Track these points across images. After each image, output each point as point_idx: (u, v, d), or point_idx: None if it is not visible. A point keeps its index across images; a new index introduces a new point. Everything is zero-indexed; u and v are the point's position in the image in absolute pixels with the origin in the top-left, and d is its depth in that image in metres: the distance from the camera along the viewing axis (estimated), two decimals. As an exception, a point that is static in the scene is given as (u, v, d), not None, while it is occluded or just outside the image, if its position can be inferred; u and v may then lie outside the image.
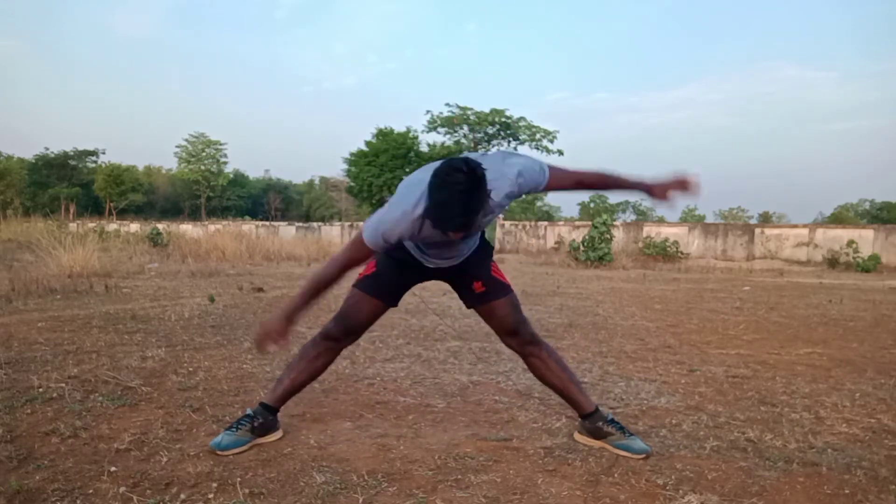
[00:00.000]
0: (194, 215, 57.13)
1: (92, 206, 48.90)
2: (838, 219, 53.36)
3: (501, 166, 1.92)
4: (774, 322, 5.79)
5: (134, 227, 24.37)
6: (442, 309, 5.72)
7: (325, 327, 2.31)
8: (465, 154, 1.84)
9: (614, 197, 75.95)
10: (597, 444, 2.29)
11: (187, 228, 23.97)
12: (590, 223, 17.71)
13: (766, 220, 60.50)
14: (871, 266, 17.19)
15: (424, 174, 1.84)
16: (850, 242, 18.42)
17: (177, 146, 59.67)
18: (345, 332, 2.27)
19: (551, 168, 2.03)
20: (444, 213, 1.71)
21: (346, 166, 36.94)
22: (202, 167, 58.55)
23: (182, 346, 3.86)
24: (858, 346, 4.60)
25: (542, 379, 2.35)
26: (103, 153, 58.74)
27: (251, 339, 4.18)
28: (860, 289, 10.61)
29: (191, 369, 3.27)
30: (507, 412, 2.72)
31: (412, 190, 1.87)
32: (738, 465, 2.16)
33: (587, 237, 16.27)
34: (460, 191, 1.67)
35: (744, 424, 2.61)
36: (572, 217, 58.81)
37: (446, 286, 2.38)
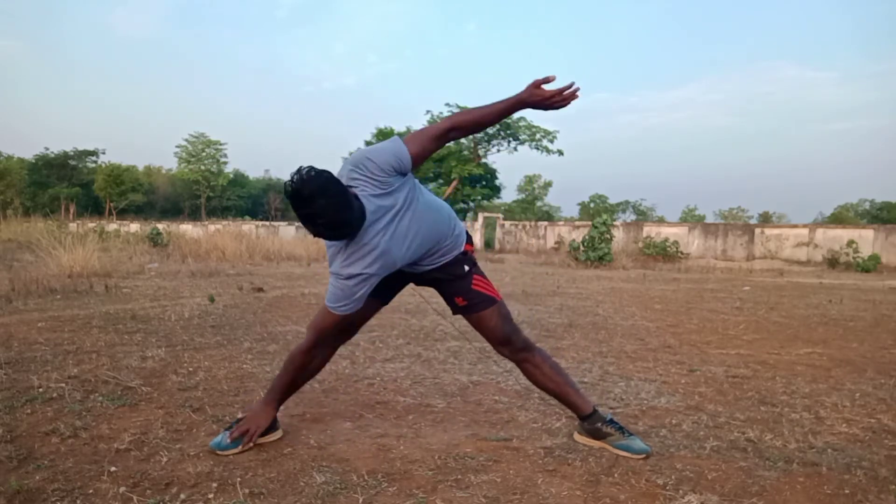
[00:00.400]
0: (194, 215, 57.11)
1: (92, 206, 48.87)
2: (838, 219, 53.37)
3: (349, 169, 1.97)
4: (774, 322, 5.79)
5: (134, 227, 24.38)
6: (442, 309, 5.72)
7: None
8: (311, 171, 1.82)
9: (614, 197, 76.00)
10: (597, 444, 2.29)
11: (187, 228, 23.97)
12: (590, 223, 17.73)
13: (766, 220, 60.51)
14: (871, 266, 17.19)
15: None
16: (850, 242, 18.43)
17: (177, 146, 59.67)
18: (338, 330, 2.28)
19: (406, 139, 2.03)
20: (305, 225, 1.84)
21: (346, 166, 36.89)
22: (202, 167, 58.50)
23: (182, 346, 3.86)
24: (858, 346, 4.60)
25: (538, 384, 2.35)
26: (103, 153, 58.76)
27: (251, 339, 4.18)
28: (860, 289, 10.61)
29: (191, 369, 3.27)
30: (507, 412, 2.72)
31: (337, 253, 2.02)
32: (738, 465, 2.15)
33: (587, 237, 16.28)
34: (299, 210, 1.80)
35: (744, 424, 2.61)
36: (572, 217, 58.78)
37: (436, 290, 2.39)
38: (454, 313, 2.33)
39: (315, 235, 1.86)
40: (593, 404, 2.36)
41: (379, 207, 1.93)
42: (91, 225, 19.17)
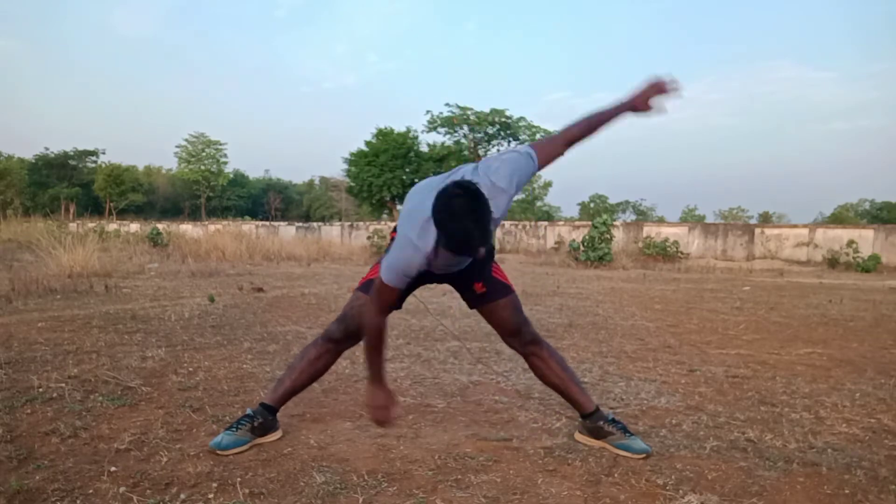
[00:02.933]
0: (194, 215, 57.11)
1: (92, 206, 48.79)
2: (838, 219, 53.32)
3: (488, 177, 1.94)
4: (774, 322, 5.79)
5: (134, 227, 24.37)
6: (442, 309, 5.72)
7: (326, 329, 2.32)
8: (453, 179, 1.84)
9: (614, 197, 76.02)
10: (597, 443, 2.29)
11: (187, 228, 23.96)
12: (590, 223, 17.72)
13: (766, 220, 60.47)
14: (871, 266, 17.19)
15: (420, 201, 1.89)
16: (850, 242, 18.41)
17: (177, 146, 59.62)
18: (346, 333, 2.27)
19: (536, 148, 2.06)
20: (464, 240, 1.72)
21: (346, 166, 36.97)
22: (202, 167, 58.47)
23: (182, 346, 3.86)
24: (858, 346, 4.60)
25: (543, 379, 2.35)
26: (103, 153, 58.70)
27: (251, 339, 4.18)
28: (860, 289, 10.61)
29: (191, 369, 3.27)
30: (507, 412, 2.72)
31: (413, 222, 1.90)
32: (738, 465, 2.16)
33: (587, 237, 16.27)
34: (469, 213, 1.70)
35: (744, 424, 2.61)
36: (572, 217, 58.76)
37: (447, 286, 2.38)
38: (471, 306, 2.31)
39: (483, 245, 1.74)
40: (596, 403, 2.36)
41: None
42: (91, 225, 19.17)
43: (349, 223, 28.68)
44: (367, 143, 35.08)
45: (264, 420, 2.25)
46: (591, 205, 63.48)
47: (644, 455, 2.19)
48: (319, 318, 5.20)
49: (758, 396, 3.08)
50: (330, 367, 2.38)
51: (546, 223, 25.52)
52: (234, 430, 2.20)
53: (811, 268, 18.33)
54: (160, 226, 21.58)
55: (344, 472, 2.02)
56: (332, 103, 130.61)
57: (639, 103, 2.13)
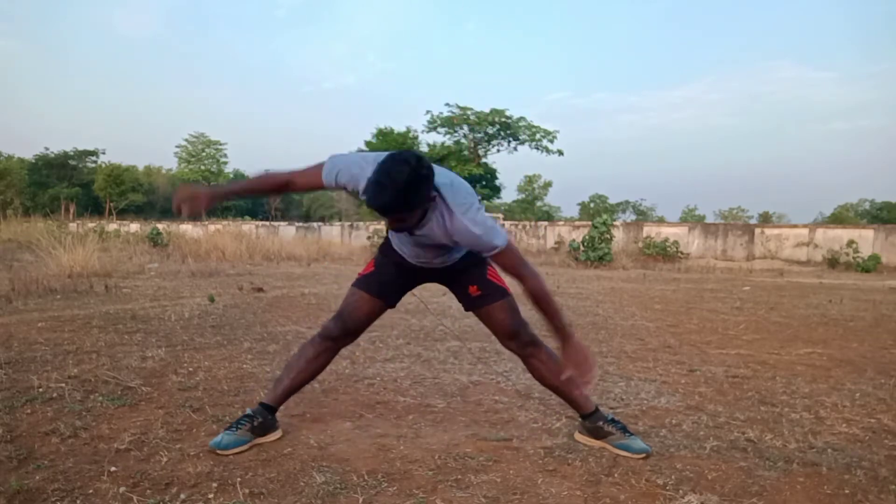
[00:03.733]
0: (194, 215, 57.03)
1: (92, 206, 48.72)
2: (838, 219, 53.31)
3: (466, 210, 1.90)
4: (774, 322, 5.79)
5: (134, 227, 24.35)
6: (442, 309, 5.72)
7: (324, 327, 2.32)
8: (439, 166, 1.88)
9: (614, 197, 76.01)
10: (597, 443, 2.29)
11: (187, 228, 23.93)
12: (590, 223, 17.71)
13: (766, 220, 60.45)
14: (871, 266, 17.18)
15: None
16: (850, 242, 18.41)
17: (177, 146, 59.58)
18: (343, 331, 2.27)
19: (508, 246, 1.95)
20: (372, 191, 1.77)
21: (346, 166, 36.92)
22: (202, 167, 58.44)
23: (182, 346, 3.86)
24: (858, 346, 4.60)
25: (543, 380, 2.35)
26: (103, 153, 58.63)
27: (251, 339, 4.18)
28: (860, 289, 10.61)
29: (191, 369, 3.27)
30: (507, 412, 2.72)
31: (379, 158, 1.89)
32: (738, 465, 2.15)
33: (587, 237, 16.28)
34: (395, 179, 1.73)
35: (744, 424, 2.61)
36: (572, 217, 58.73)
37: (446, 287, 2.38)
38: (466, 308, 2.31)
39: (380, 210, 1.79)
40: (595, 403, 2.36)
41: None
42: (91, 225, 19.15)
43: (349, 223, 28.66)
44: (367, 143, 35.12)
45: (264, 420, 2.25)
46: (591, 205, 63.49)
47: (644, 455, 2.19)
48: (319, 317, 5.20)
49: (758, 396, 3.08)
50: (328, 365, 2.38)
51: (546, 223, 25.51)
52: (234, 429, 2.20)
53: (811, 268, 18.33)
54: (160, 226, 21.56)
55: (344, 472, 2.02)
56: (332, 103, 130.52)
57: (568, 356, 2.06)
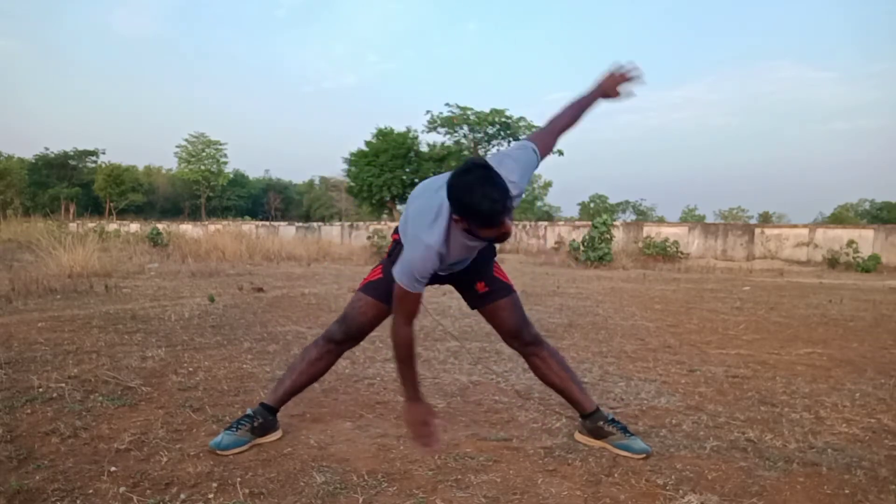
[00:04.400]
0: (194, 215, 57.11)
1: (92, 206, 48.77)
2: (838, 219, 53.32)
3: (505, 176, 1.92)
4: (774, 322, 5.79)
5: (134, 227, 24.35)
6: (441, 309, 5.72)
7: (327, 330, 2.31)
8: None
9: (614, 197, 76.01)
10: (597, 443, 2.29)
11: (187, 228, 23.96)
12: (590, 223, 17.72)
13: (766, 220, 60.45)
14: (871, 266, 17.18)
15: (426, 200, 1.89)
16: (850, 242, 18.41)
17: (177, 146, 59.62)
18: (347, 335, 2.27)
19: (537, 142, 2.08)
20: (490, 209, 1.70)
21: (346, 166, 37.02)
22: (202, 167, 58.46)
23: (182, 346, 3.86)
24: (858, 346, 4.60)
25: (544, 379, 2.35)
26: (103, 153, 58.76)
27: (251, 339, 4.18)
28: (860, 289, 10.60)
29: (191, 369, 3.27)
30: (507, 412, 2.72)
31: (420, 222, 1.88)
32: (738, 465, 2.15)
33: (587, 237, 16.28)
34: (488, 181, 1.70)
35: (744, 424, 2.61)
36: (572, 217, 58.72)
37: (447, 287, 2.38)
38: (472, 306, 2.31)
39: (506, 211, 1.73)
40: (596, 403, 2.36)
41: None
42: (91, 225, 19.16)
43: (349, 223, 28.67)
44: (368, 143, 35.08)
45: (264, 420, 2.25)
46: (591, 205, 63.48)
47: (644, 455, 2.19)
48: (319, 318, 5.20)
49: (758, 396, 3.08)
50: (330, 368, 2.38)
51: (546, 223, 25.51)
52: (234, 430, 2.20)
53: (811, 268, 18.33)
54: (160, 226, 21.56)
55: (344, 472, 2.02)
56: (332, 103, 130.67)
57: (608, 90, 2.20)
